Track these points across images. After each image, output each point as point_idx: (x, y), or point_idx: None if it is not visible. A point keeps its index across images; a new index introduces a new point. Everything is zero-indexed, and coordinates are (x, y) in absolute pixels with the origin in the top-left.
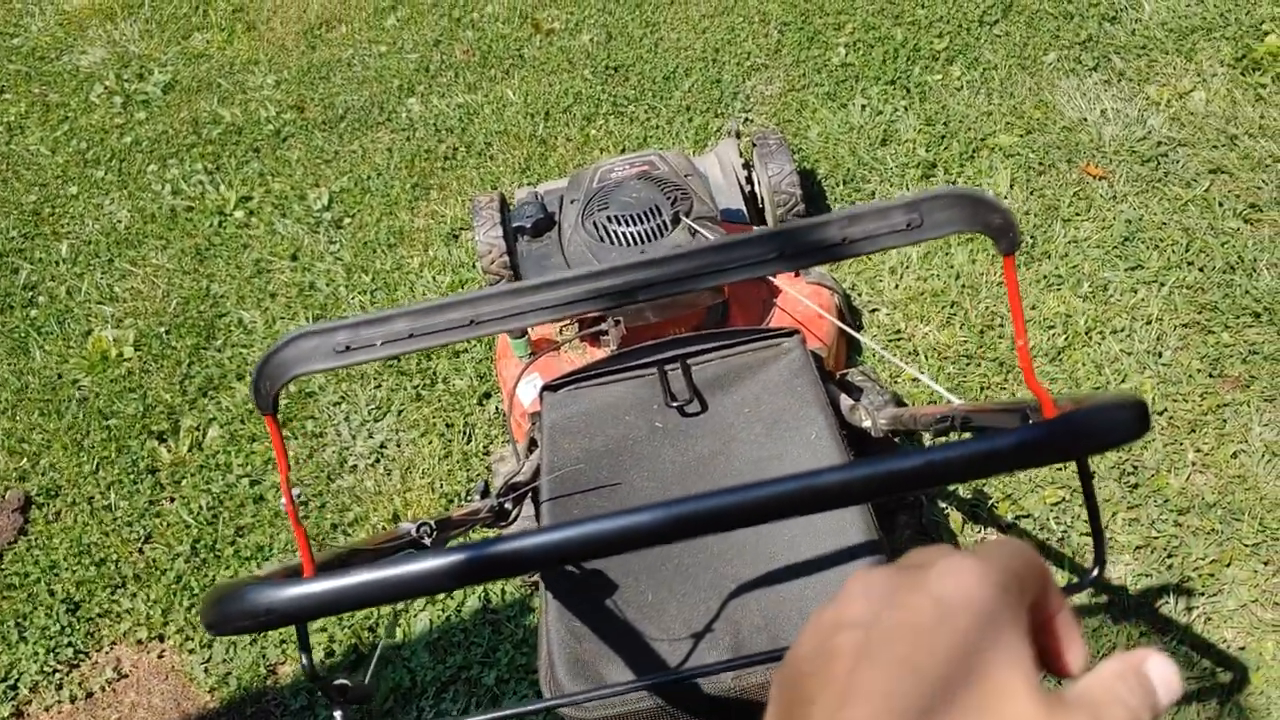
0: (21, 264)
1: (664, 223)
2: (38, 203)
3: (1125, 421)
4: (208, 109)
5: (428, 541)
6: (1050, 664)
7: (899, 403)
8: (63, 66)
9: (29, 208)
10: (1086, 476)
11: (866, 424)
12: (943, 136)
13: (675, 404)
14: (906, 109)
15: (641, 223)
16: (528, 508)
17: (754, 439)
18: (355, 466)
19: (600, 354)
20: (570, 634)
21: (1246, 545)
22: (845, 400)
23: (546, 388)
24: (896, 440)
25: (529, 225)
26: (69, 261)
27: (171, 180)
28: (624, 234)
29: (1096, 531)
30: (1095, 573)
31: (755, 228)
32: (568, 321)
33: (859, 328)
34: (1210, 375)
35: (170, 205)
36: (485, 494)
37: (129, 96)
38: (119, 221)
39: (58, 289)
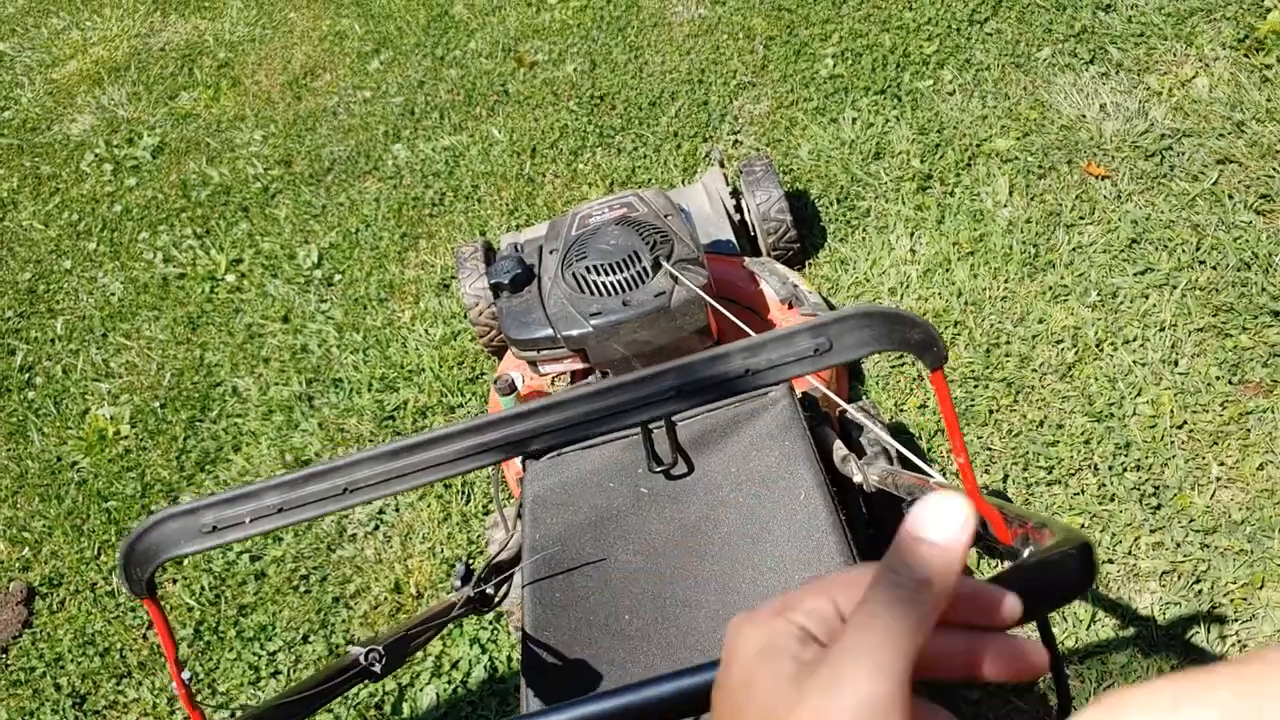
0: (18, 345)
1: (644, 269)
2: (32, 280)
3: (1067, 576)
4: (196, 170)
5: (378, 668)
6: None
7: (888, 457)
8: (53, 136)
9: (24, 285)
10: (1042, 622)
11: (858, 479)
12: (937, 145)
13: (660, 469)
14: (898, 119)
15: (621, 271)
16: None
17: (743, 502)
18: (354, 535)
19: None
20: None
21: (1276, 564)
22: (838, 450)
23: (528, 456)
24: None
25: (507, 281)
26: (64, 339)
27: (163, 247)
28: (604, 284)
29: (1059, 678)
30: None
31: (652, 368)
32: (559, 374)
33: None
34: (1230, 382)
35: (162, 274)
36: (466, 579)
37: (119, 163)
38: (112, 294)
39: (54, 368)
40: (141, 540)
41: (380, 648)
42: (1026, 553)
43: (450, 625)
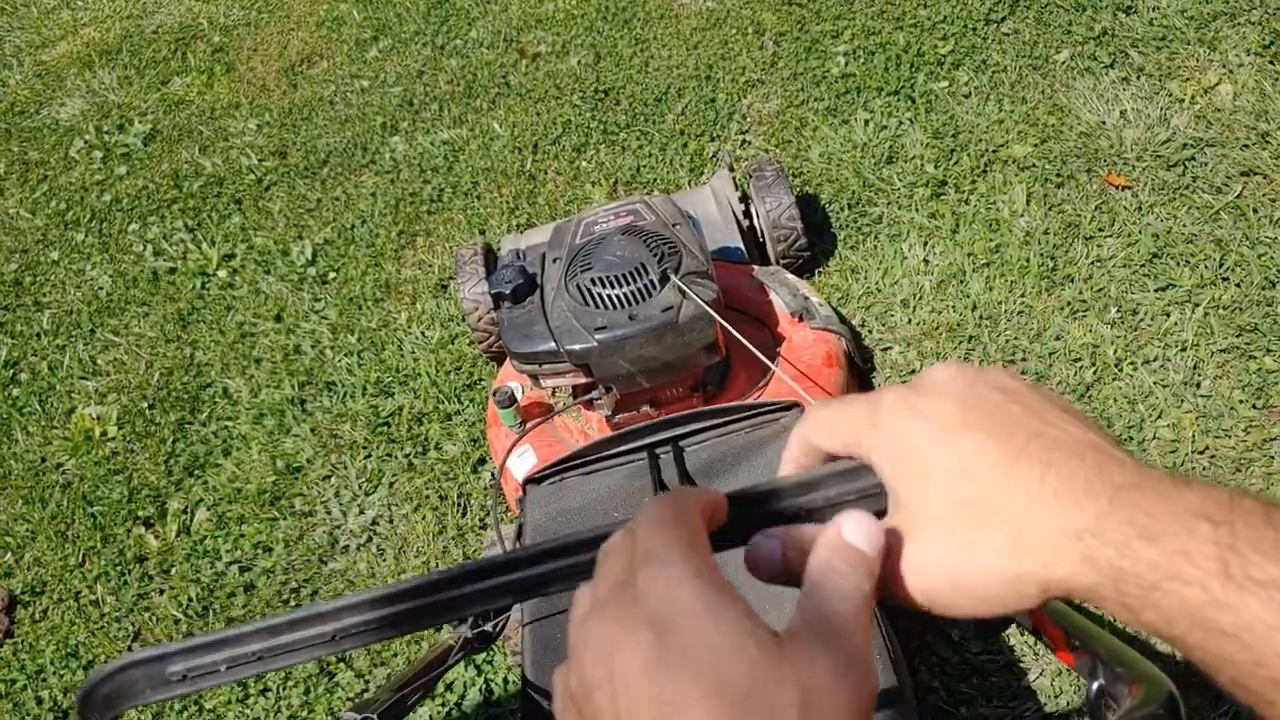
0: (2, 339)
1: (652, 282)
2: (19, 271)
3: None
4: (188, 159)
5: None
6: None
7: None
8: (41, 121)
9: (10, 277)
10: None
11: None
12: (952, 150)
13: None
14: (912, 121)
15: (628, 284)
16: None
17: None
18: (347, 547)
19: (595, 418)
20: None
21: None
22: None
23: (529, 481)
24: None
25: (509, 291)
26: (50, 334)
27: (153, 240)
28: (609, 296)
29: None
30: None
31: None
32: (561, 387)
33: (870, 369)
34: (1254, 406)
35: (152, 268)
36: (462, 619)
37: (109, 150)
38: (100, 288)
39: (39, 364)
40: (102, 685)
41: (374, 715)
42: (1094, 686)
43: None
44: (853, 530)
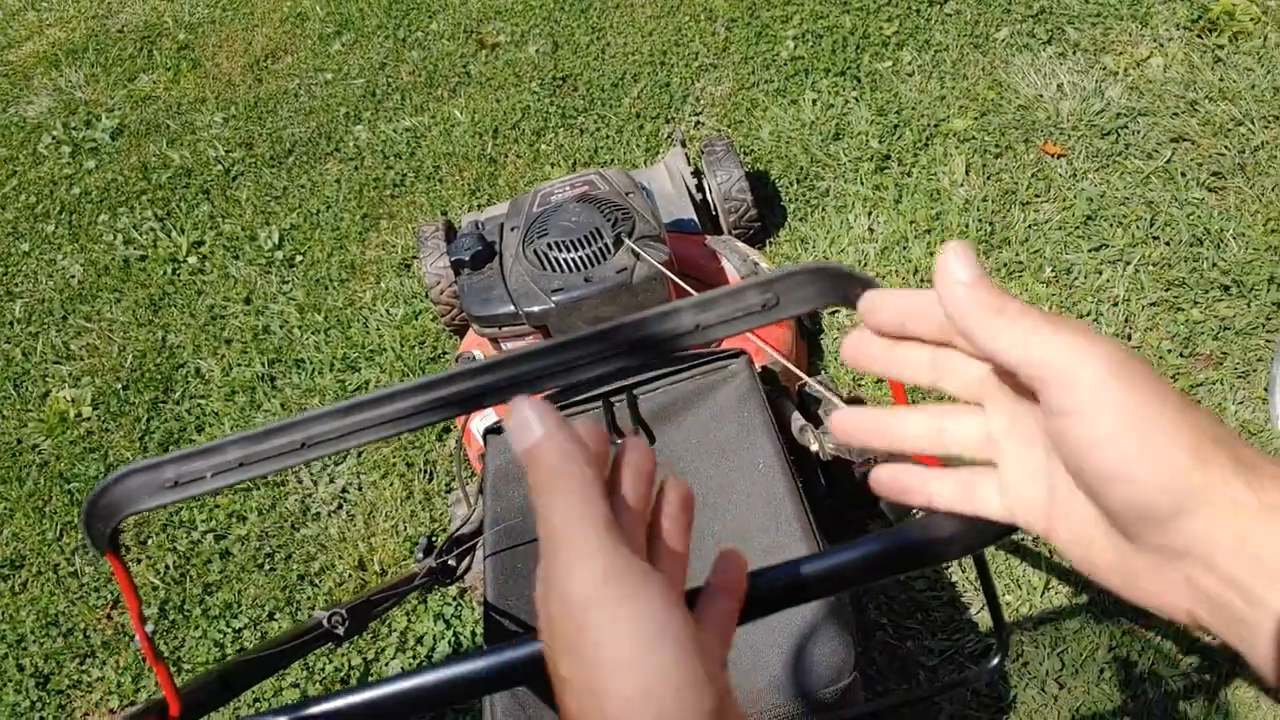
0: None
1: (606, 245)
2: None
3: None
4: (156, 152)
5: (340, 631)
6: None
7: None
8: (9, 119)
9: None
10: (978, 560)
11: (814, 447)
12: (895, 126)
13: (621, 441)
14: (858, 100)
15: (583, 247)
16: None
17: (703, 471)
18: (318, 514)
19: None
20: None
21: None
22: (796, 420)
23: (490, 430)
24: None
25: (468, 258)
26: (23, 321)
27: (123, 230)
28: (565, 260)
29: (996, 615)
30: (995, 661)
31: (605, 324)
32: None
33: (819, 330)
34: (1182, 355)
35: (123, 256)
36: (428, 551)
37: (77, 145)
38: (72, 276)
39: (13, 351)
40: (104, 496)
41: (343, 611)
42: None
43: (414, 599)
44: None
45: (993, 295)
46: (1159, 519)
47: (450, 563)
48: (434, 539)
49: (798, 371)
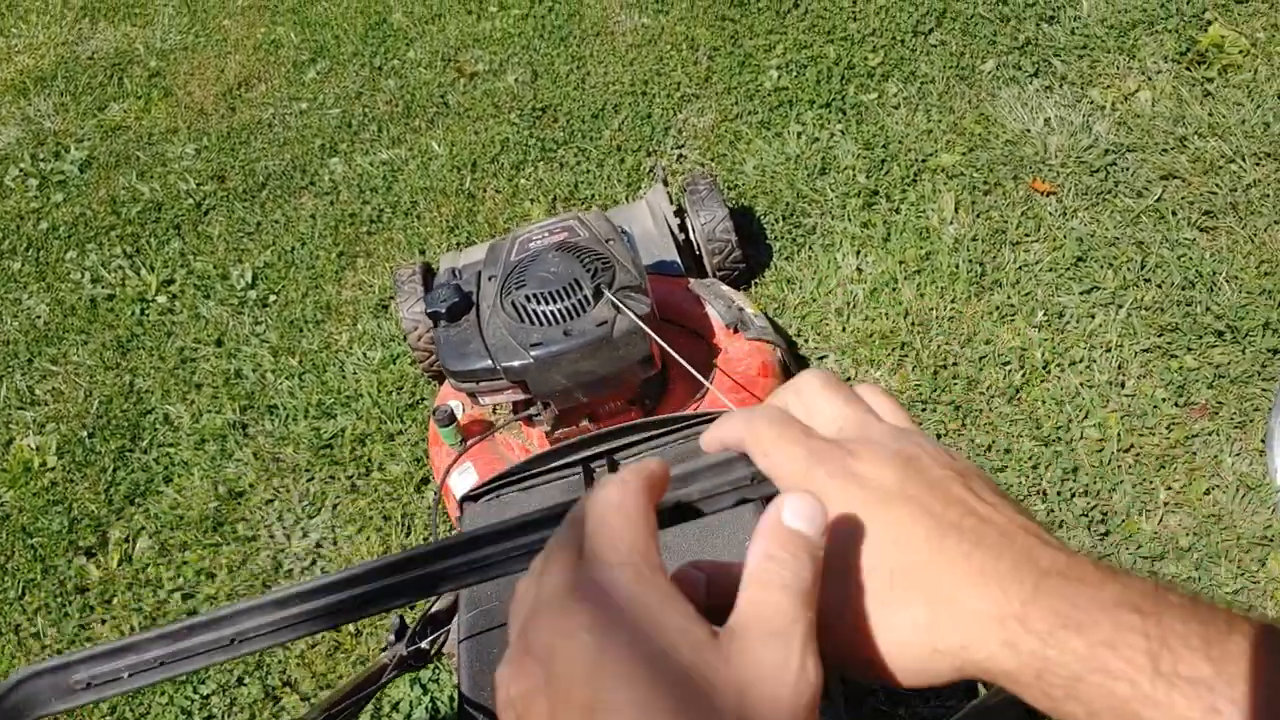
0: None
1: (585, 298)
2: None
3: None
4: (126, 185)
5: None
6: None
7: None
8: None
9: None
10: None
11: None
12: (883, 160)
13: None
14: (843, 133)
15: (562, 299)
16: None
17: (685, 547)
18: (291, 570)
19: (536, 434)
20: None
21: (1227, 593)
22: None
23: (466, 498)
24: None
25: (444, 310)
26: None
27: (91, 267)
28: (544, 313)
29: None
30: None
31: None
32: (501, 404)
33: None
34: (1176, 404)
35: (90, 295)
36: (400, 633)
37: (45, 178)
38: (38, 317)
39: None
40: (6, 699)
41: None
42: None
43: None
44: (793, 512)
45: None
46: (928, 680)
47: (423, 647)
48: (405, 619)
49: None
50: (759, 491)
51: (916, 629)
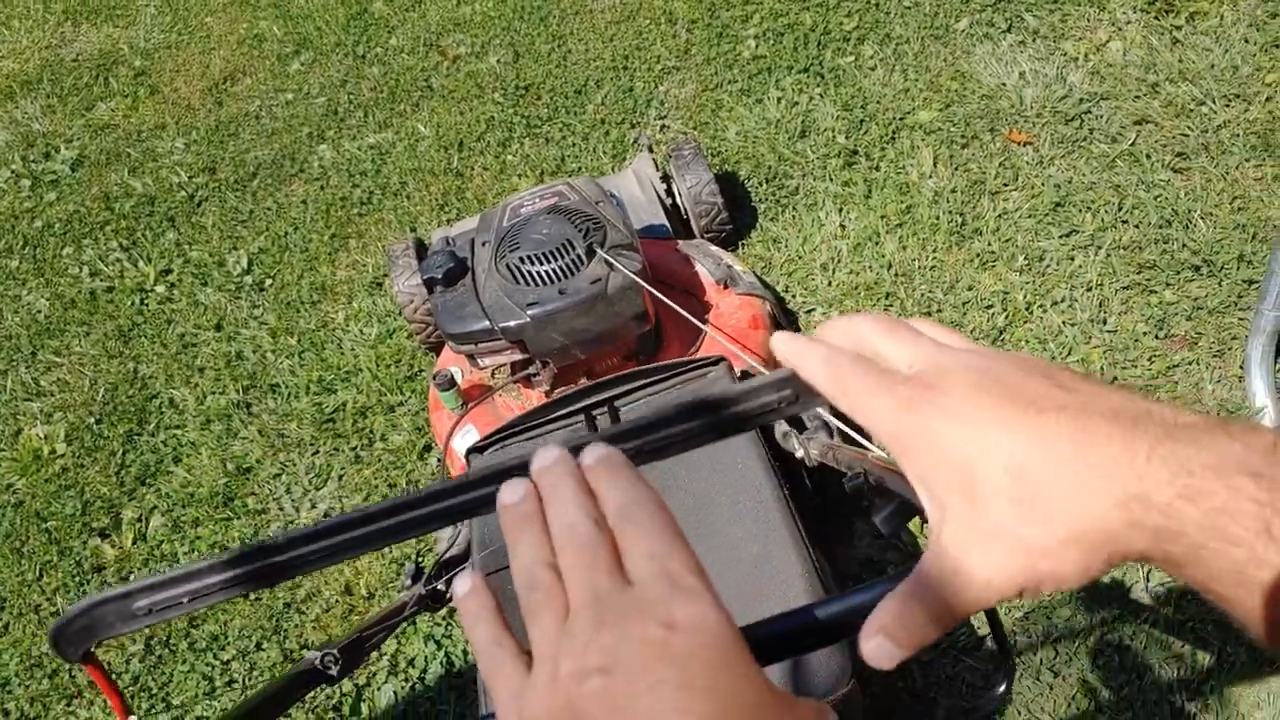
0: None
1: (579, 257)
2: None
3: None
4: (118, 181)
5: (334, 671)
6: None
7: (828, 430)
8: None
9: None
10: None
11: (800, 454)
12: (861, 121)
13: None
14: (822, 96)
15: (555, 259)
16: None
17: (688, 483)
18: None
19: (535, 395)
20: None
21: None
22: (780, 426)
23: (471, 450)
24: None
25: (440, 276)
26: None
27: (89, 262)
28: (538, 273)
29: (1001, 644)
30: (1003, 688)
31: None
32: (500, 365)
33: (796, 329)
34: (1157, 337)
35: (89, 288)
36: (417, 577)
37: (37, 178)
38: (39, 311)
39: None
40: (74, 623)
41: (335, 651)
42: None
43: (404, 624)
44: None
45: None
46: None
47: (439, 588)
48: (421, 564)
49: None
50: (794, 410)
51: (1063, 551)
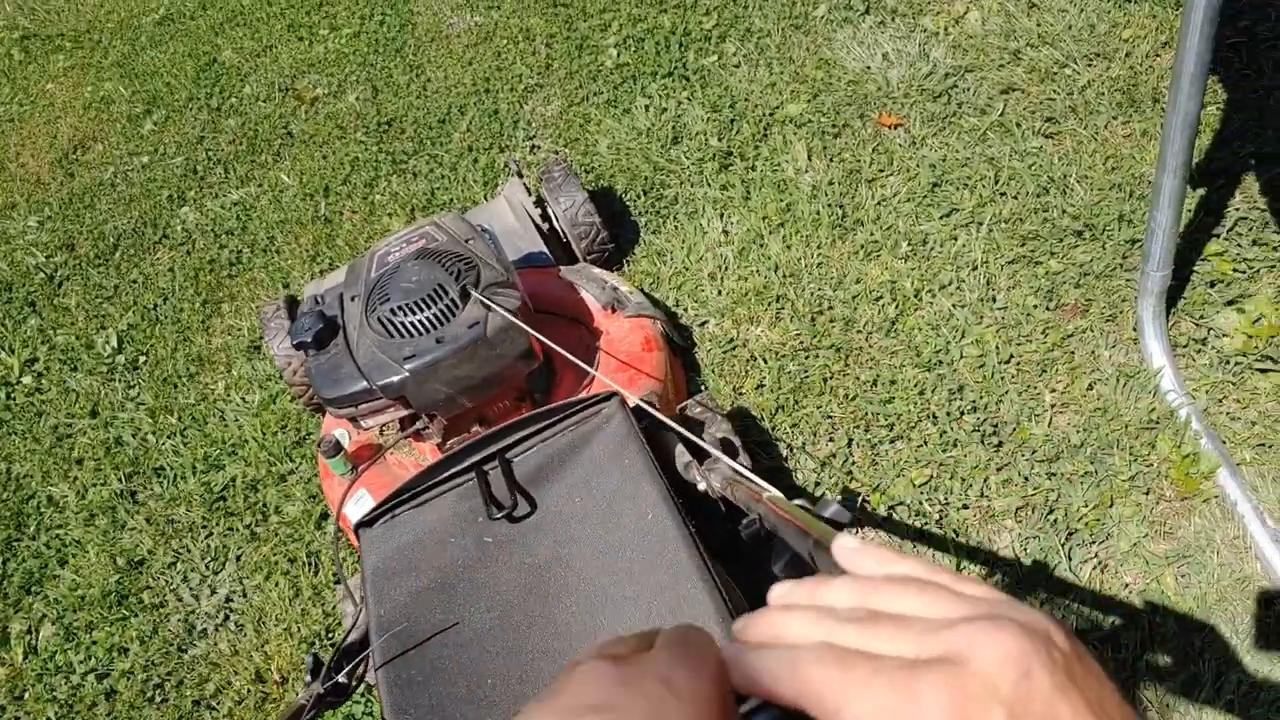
0: None
1: (453, 301)
2: None
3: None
4: None
5: None
6: None
7: (732, 450)
8: None
9: None
10: None
11: (702, 486)
12: (732, 120)
13: (501, 513)
14: (690, 99)
15: (429, 307)
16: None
17: (591, 534)
18: (205, 631)
19: (428, 448)
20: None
21: (1124, 480)
22: (681, 457)
23: (361, 524)
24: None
25: (310, 340)
26: None
27: None
28: (412, 324)
29: None
30: None
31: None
32: (387, 423)
33: (691, 345)
34: (1048, 309)
35: None
36: (315, 671)
37: None
38: None
39: None
40: None
41: None
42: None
43: None
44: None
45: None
46: None
47: (340, 680)
48: (320, 654)
49: (668, 421)
50: None
51: None
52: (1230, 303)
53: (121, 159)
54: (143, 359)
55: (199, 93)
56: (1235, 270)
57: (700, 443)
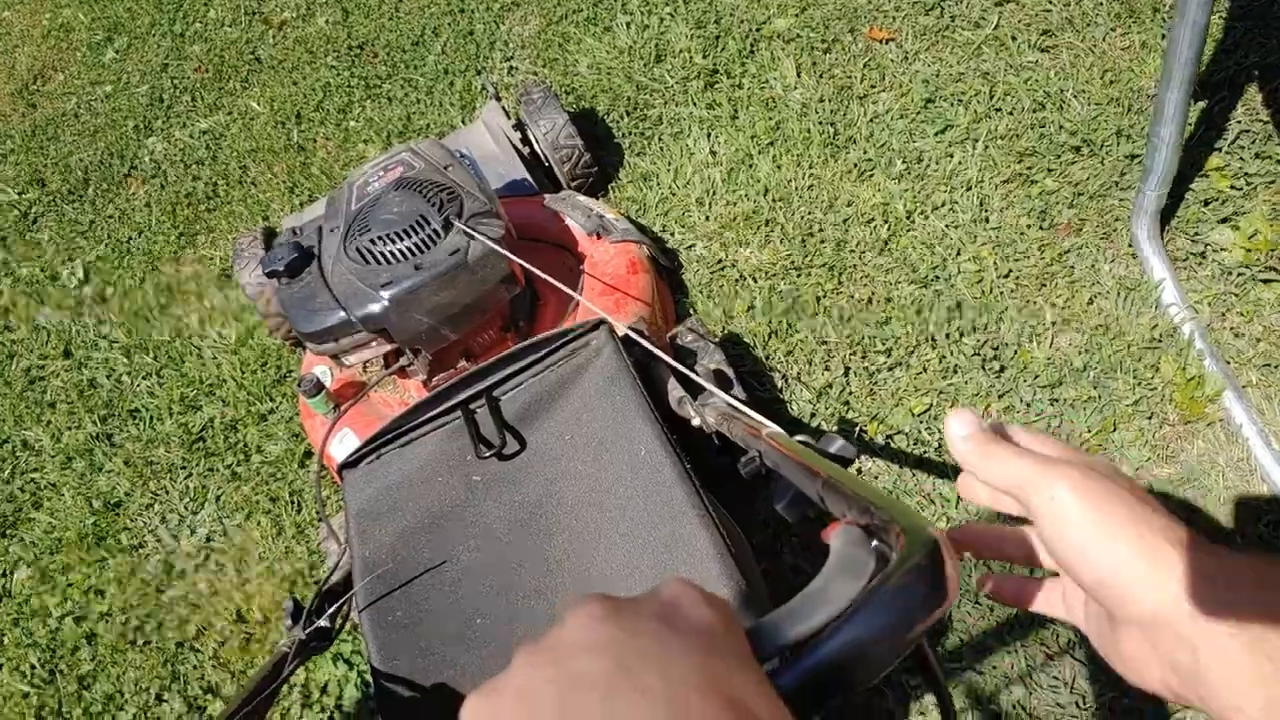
0: None
1: (435, 231)
2: None
3: (916, 603)
4: None
5: None
6: None
7: (726, 383)
8: None
9: None
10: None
11: (696, 422)
12: (717, 37)
13: (490, 452)
14: (673, 15)
15: (410, 237)
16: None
17: (582, 470)
18: (184, 571)
19: (413, 385)
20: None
21: (1127, 405)
22: (674, 391)
23: (345, 465)
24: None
25: (283, 268)
26: None
27: None
28: (391, 252)
29: (941, 700)
30: None
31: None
32: (369, 359)
33: (679, 268)
34: (1042, 228)
35: None
36: (296, 616)
37: None
38: None
39: None
40: None
41: None
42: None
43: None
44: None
45: (983, 443)
46: (1118, 596)
47: (323, 624)
48: (299, 599)
49: (664, 357)
50: None
51: None
52: (1224, 220)
53: (84, 89)
54: (110, 289)
55: (161, 18)
56: (1233, 187)
57: (694, 377)
